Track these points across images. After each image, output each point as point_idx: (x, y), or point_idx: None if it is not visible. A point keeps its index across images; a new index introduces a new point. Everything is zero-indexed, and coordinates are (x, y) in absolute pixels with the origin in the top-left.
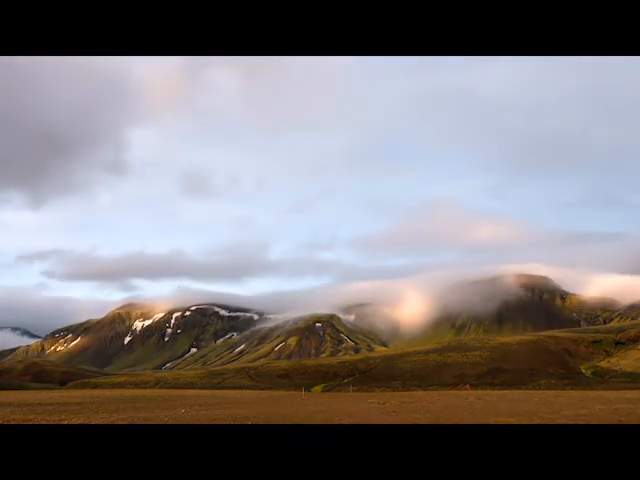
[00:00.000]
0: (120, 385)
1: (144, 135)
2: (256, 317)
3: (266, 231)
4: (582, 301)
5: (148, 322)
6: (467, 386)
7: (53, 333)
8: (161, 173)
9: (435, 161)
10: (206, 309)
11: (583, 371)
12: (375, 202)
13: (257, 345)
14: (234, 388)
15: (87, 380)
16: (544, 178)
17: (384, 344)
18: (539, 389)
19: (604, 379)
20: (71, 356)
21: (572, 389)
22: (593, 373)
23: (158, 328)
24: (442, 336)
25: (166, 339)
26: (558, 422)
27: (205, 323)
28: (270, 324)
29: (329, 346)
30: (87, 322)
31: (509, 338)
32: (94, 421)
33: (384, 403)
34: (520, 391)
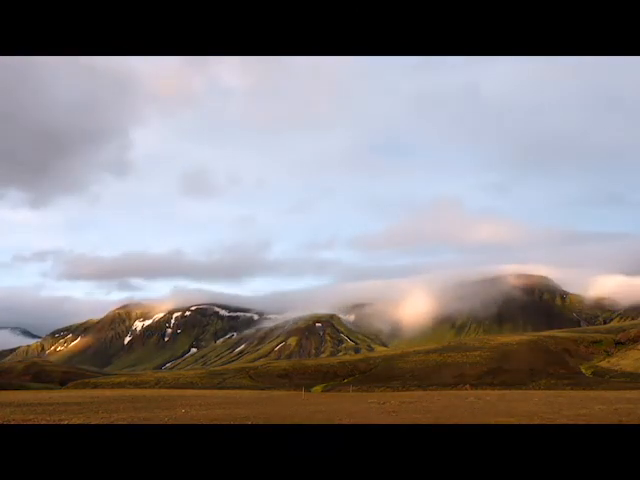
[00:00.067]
0: (120, 385)
1: (144, 135)
2: (256, 317)
3: (266, 231)
4: (582, 301)
5: (148, 322)
6: (467, 386)
7: (53, 333)
8: (161, 173)
9: (435, 161)
10: (206, 309)
11: (583, 371)
12: (375, 202)
13: (257, 345)
14: (234, 388)
15: (87, 380)
16: (544, 178)
17: (384, 344)
18: (539, 389)
19: (604, 379)
20: (71, 356)
21: (572, 389)
22: (593, 373)
23: (158, 328)
24: (442, 336)
25: (166, 339)
26: (558, 422)
27: (205, 323)
28: (270, 324)
29: (329, 346)
30: (87, 322)
31: (509, 338)
32: (94, 421)
33: (384, 403)
34: (520, 391)
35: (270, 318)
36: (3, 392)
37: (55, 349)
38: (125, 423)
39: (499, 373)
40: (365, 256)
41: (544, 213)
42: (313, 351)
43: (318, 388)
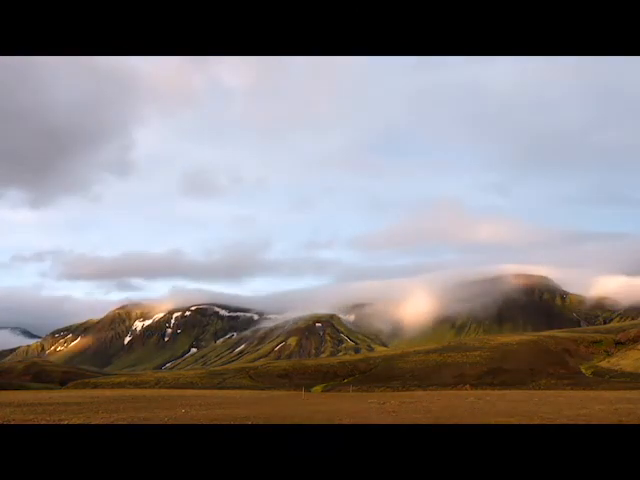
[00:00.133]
0: (120, 385)
1: (144, 134)
2: (256, 317)
3: (266, 231)
4: (582, 301)
5: (148, 322)
6: (467, 386)
7: (53, 333)
8: (162, 172)
9: (435, 160)
10: (206, 309)
11: (583, 371)
12: (375, 202)
13: (257, 345)
14: (234, 388)
15: (87, 380)
16: (544, 178)
17: (384, 344)
18: (539, 389)
19: (604, 379)
20: (71, 356)
21: (572, 389)
22: (593, 373)
23: (158, 328)
24: (442, 336)
25: (166, 339)
26: (558, 422)
27: (205, 323)
28: (270, 324)
29: (329, 346)
30: (87, 322)
31: (509, 338)
32: (94, 421)
33: (384, 403)
34: (520, 391)
35: (270, 318)
36: (3, 392)
37: (55, 349)
38: (125, 423)
39: (499, 373)
40: (365, 256)
41: (544, 213)
42: (313, 351)
43: (318, 388)
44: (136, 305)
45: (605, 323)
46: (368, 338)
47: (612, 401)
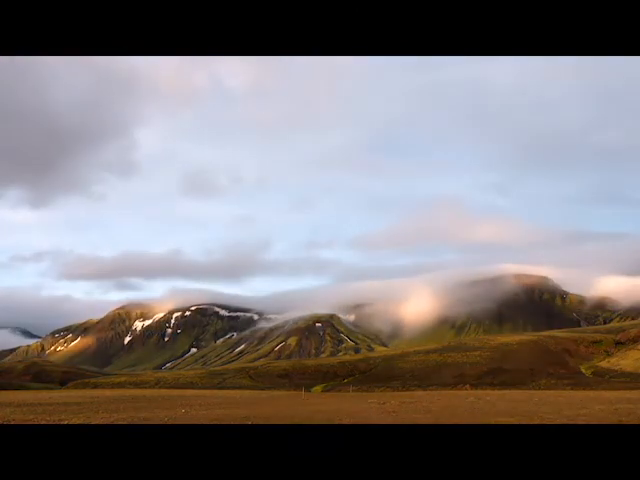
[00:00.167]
0: (120, 385)
1: (145, 134)
2: (256, 317)
3: (266, 231)
4: (582, 301)
5: (148, 322)
6: (467, 386)
7: (53, 333)
8: (162, 172)
9: (435, 160)
10: (206, 309)
11: (583, 371)
12: (375, 202)
13: (257, 345)
14: (234, 388)
15: (87, 380)
16: (545, 177)
17: (384, 344)
18: (539, 389)
19: (604, 379)
20: (71, 356)
21: (572, 389)
22: (593, 373)
23: (158, 328)
24: (442, 336)
25: (166, 339)
26: (558, 422)
27: (205, 323)
28: (270, 324)
29: (329, 346)
30: (87, 322)
31: (509, 338)
32: (94, 421)
33: (384, 403)
34: (520, 391)
35: (270, 318)
36: (3, 392)
37: (55, 349)
38: (125, 423)
39: (499, 373)
40: (365, 256)
41: (544, 213)
42: (313, 351)
43: (318, 388)
44: (136, 305)
45: (605, 323)
46: (368, 338)
47: (612, 401)
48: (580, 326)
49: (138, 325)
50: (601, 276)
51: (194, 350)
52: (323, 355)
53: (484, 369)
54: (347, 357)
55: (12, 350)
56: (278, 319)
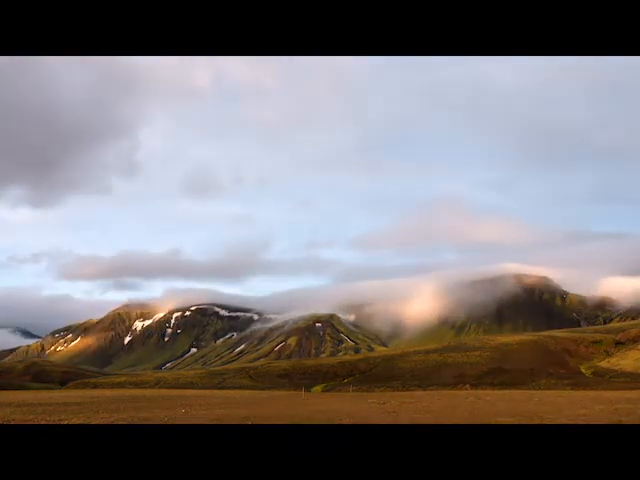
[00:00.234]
0: (120, 385)
1: (145, 134)
2: (256, 317)
3: (266, 230)
4: (582, 301)
5: (148, 322)
6: (467, 386)
7: (53, 333)
8: (162, 172)
9: (436, 160)
10: (206, 309)
11: (583, 371)
12: (375, 201)
13: (257, 345)
14: (234, 388)
15: (87, 380)
16: (545, 177)
17: (384, 344)
18: (539, 389)
19: (604, 379)
20: (71, 356)
21: (572, 389)
22: (593, 373)
23: (158, 328)
24: (442, 336)
25: (166, 339)
26: (558, 422)
27: (205, 323)
28: (270, 324)
29: (329, 346)
30: (87, 322)
31: (509, 338)
32: (94, 421)
33: (384, 403)
34: (520, 391)
35: (270, 318)
36: (3, 392)
37: (55, 349)
38: (125, 423)
39: (499, 373)
40: (365, 256)
41: (545, 213)
42: (313, 351)
43: (318, 388)
44: (136, 305)
45: (605, 323)
46: (368, 338)
47: (612, 401)
48: (580, 326)
49: (138, 325)
50: (601, 276)
51: (194, 350)
52: (323, 355)
53: (484, 369)
54: (347, 357)
55: (12, 350)
56: (278, 319)
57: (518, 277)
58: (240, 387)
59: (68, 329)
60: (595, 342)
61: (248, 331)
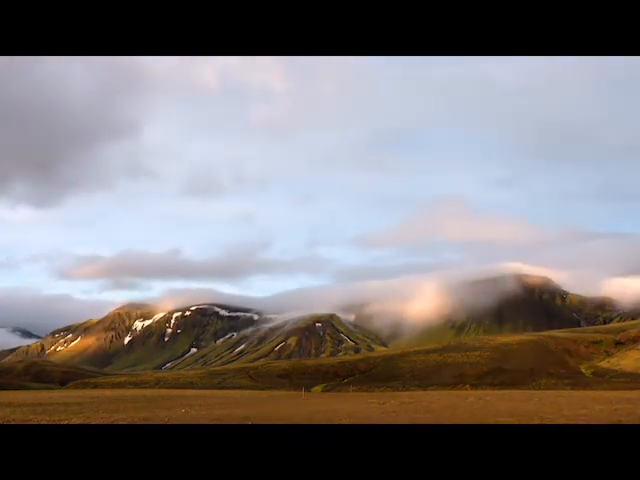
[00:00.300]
0: (120, 385)
1: (145, 134)
2: (256, 317)
3: (267, 230)
4: (582, 301)
5: (148, 322)
6: (467, 386)
7: (53, 333)
8: (162, 171)
9: (437, 158)
10: (206, 309)
11: (583, 371)
12: (376, 200)
13: (257, 345)
14: (234, 388)
15: (87, 380)
16: (546, 177)
17: (384, 344)
18: (539, 389)
19: (604, 379)
20: (71, 356)
21: (572, 389)
22: (593, 373)
23: (158, 328)
24: (442, 336)
25: (166, 339)
26: (558, 422)
27: (205, 323)
28: (270, 324)
29: (329, 346)
30: (87, 322)
31: (509, 338)
32: (94, 421)
33: (384, 403)
34: (520, 391)
35: (270, 318)
36: (3, 392)
37: (55, 349)
38: (125, 423)
39: (499, 373)
40: (366, 255)
41: (545, 212)
42: (313, 351)
43: (318, 388)
44: (136, 305)
45: (605, 323)
46: (368, 338)
47: (612, 401)
48: (580, 326)
49: (138, 325)
50: (602, 276)
51: (194, 350)
52: (323, 355)
53: (484, 369)
54: (347, 357)
55: (12, 350)
56: (278, 319)
57: (518, 277)
58: (240, 387)
59: (68, 329)
60: (595, 342)
61: (248, 331)
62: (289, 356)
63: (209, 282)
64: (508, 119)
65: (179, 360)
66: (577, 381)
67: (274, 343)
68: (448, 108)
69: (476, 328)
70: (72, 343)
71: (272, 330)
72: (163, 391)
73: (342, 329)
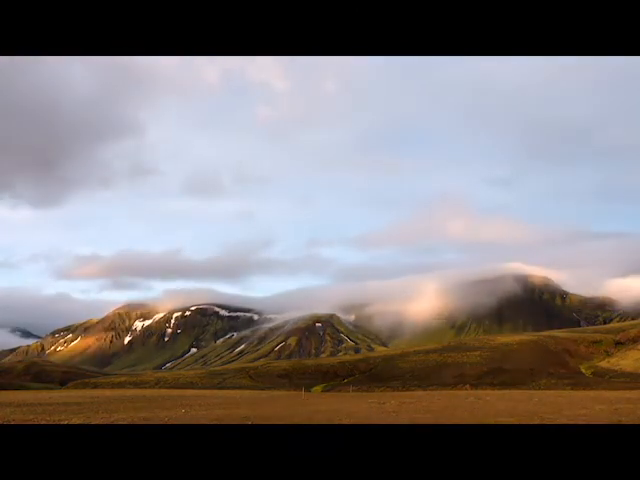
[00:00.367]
0: (120, 385)
1: (145, 133)
2: (256, 317)
3: (267, 229)
4: (582, 301)
5: (148, 322)
6: (467, 386)
7: (53, 333)
8: (163, 171)
9: (437, 158)
10: (206, 309)
11: (583, 371)
12: (376, 200)
13: (257, 345)
14: (234, 388)
15: (87, 380)
16: (546, 177)
17: (384, 344)
18: (539, 389)
19: (604, 379)
20: (71, 356)
21: (572, 389)
22: (593, 373)
23: (158, 328)
24: (442, 336)
25: (166, 339)
26: (558, 422)
27: (205, 323)
28: (270, 324)
29: (329, 346)
30: (87, 322)
31: (509, 338)
32: (94, 421)
33: (384, 403)
34: (520, 391)
35: (270, 318)
36: (3, 392)
37: (55, 349)
38: (125, 423)
39: (499, 373)
40: (366, 255)
41: (545, 212)
42: (313, 351)
43: (318, 388)
44: (136, 305)
45: (605, 323)
46: (368, 338)
47: (612, 401)
48: (580, 326)
49: (138, 325)
50: (602, 276)
51: (194, 350)
52: (323, 355)
53: (484, 369)
54: (347, 357)
55: (12, 350)
56: (278, 319)
57: (518, 277)
58: (240, 387)
59: (68, 329)
60: (595, 342)
61: (248, 331)
62: (289, 356)
63: (209, 282)
64: (508, 119)
65: (179, 360)
66: (577, 381)
67: (274, 343)
68: (448, 108)
69: (476, 328)
70: (72, 343)
71: (272, 330)
72: (163, 391)
73: (342, 329)
